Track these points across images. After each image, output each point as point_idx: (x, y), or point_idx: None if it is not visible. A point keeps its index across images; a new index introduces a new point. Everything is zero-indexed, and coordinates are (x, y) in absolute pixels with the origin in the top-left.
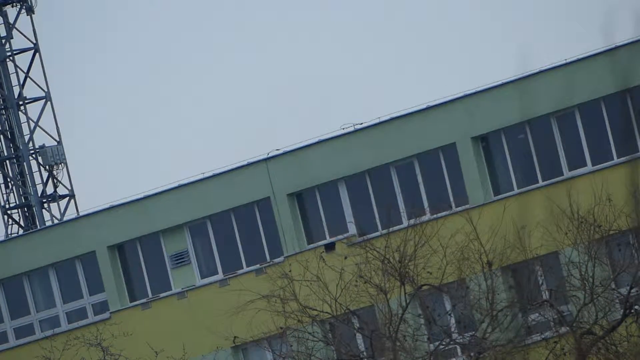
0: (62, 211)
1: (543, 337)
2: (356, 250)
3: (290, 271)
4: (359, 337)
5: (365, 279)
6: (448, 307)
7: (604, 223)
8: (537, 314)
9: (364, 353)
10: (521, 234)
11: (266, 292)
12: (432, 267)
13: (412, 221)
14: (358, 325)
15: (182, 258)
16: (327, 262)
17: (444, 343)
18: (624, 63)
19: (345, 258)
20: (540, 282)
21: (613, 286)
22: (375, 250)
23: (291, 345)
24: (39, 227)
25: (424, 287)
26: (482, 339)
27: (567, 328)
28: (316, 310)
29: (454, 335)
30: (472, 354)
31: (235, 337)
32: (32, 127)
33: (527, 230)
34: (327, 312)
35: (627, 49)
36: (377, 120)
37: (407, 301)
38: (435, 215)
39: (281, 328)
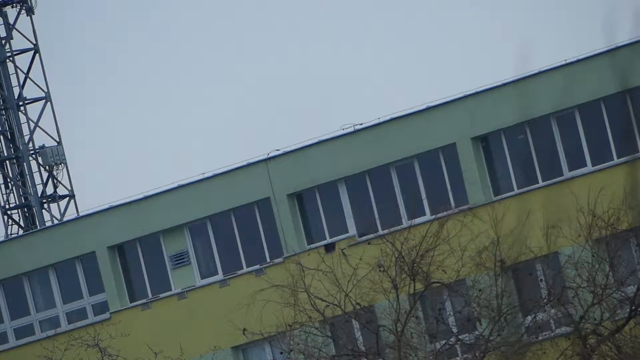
0: (62, 211)
1: (550, 336)
2: (373, 243)
3: (320, 265)
4: (364, 333)
5: (384, 267)
6: (456, 306)
7: (616, 222)
8: (543, 314)
9: (366, 350)
10: (549, 232)
11: (273, 291)
12: (447, 267)
13: (435, 215)
14: (365, 321)
15: (182, 258)
16: (327, 262)
17: (450, 342)
18: (623, 63)
19: (369, 244)
20: (549, 282)
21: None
22: (390, 243)
23: (298, 344)
24: (39, 227)
25: (434, 285)
26: (487, 339)
27: (573, 328)
28: (326, 301)
29: (460, 334)
30: (477, 354)
31: (244, 329)
32: (32, 128)
33: (557, 230)
34: (335, 304)
35: (627, 49)
36: (377, 120)
37: (416, 298)
38: (444, 213)
39: (289, 325)
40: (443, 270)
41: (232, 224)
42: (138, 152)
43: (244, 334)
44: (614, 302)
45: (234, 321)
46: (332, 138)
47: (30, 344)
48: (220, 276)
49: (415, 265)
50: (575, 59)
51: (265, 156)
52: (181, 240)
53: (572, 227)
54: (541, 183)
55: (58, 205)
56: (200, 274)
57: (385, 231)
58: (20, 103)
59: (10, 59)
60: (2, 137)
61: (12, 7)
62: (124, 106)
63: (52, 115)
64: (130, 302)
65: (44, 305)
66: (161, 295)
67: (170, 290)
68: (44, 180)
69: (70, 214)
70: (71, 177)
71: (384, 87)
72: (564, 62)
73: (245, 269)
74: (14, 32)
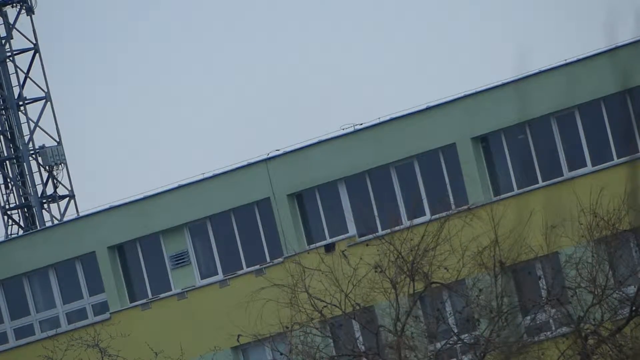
0: (62, 211)
1: (550, 336)
2: (371, 244)
3: (320, 265)
4: (364, 333)
5: (382, 269)
6: (456, 306)
7: (617, 223)
8: (544, 314)
9: (366, 350)
10: (549, 232)
11: (271, 291)
12: (447, 266)
13: (435, 216)
14: (365, 321)
15: (182, 258)
16: (327, 262)
17: (450, 342)
18: (624, 63)
19: (367, 245)
20: (549, 282)
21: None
22: (389, 243)
23: (297, 346)
24: (39, 227)
25: (434, 285)
26: (487, 339)
27: (573, 328)
28: (325, 301)
29: (460, 334)
30: (477, 354)
31: (239, 335)
32: (32, 128)
33: (558, 230)
34: (335, 305)
35: (628, 49)
36: (377, 120)
37: (416, 298)
38: (445, 213)
39: (286, 327)
40: (445, 269)
41: (232, 224)
42: (138, 152)
43: (238, 340)
44: (615, 303)
45: (234, 321)
46: (332, 138)
47: (30, 344)
48: (220, 276)
49: (415, 265)
50: (575, 58)
51: (265, 156)
52: (181, 240)
53: (574, 227)
54: (541, 183)
55: (58, 205)
56: (200, 274)
57: (386, 231)
58: (20, 103)
59: (10, 58)
60: (2, 137)
61: (12, 7)
62: (124, 106)
63: (52, 115)
64: (130, 302)
65: (44, 305)
66: (161, 296)
67: (170, 290)
68: (44, 181)
69: (70, 214)
70: (71, 177)
71: (384, 87)
72: (564, 62)
73: (245, 269)
74: (14, 32)
